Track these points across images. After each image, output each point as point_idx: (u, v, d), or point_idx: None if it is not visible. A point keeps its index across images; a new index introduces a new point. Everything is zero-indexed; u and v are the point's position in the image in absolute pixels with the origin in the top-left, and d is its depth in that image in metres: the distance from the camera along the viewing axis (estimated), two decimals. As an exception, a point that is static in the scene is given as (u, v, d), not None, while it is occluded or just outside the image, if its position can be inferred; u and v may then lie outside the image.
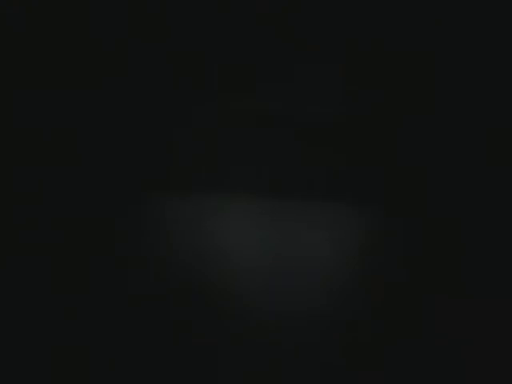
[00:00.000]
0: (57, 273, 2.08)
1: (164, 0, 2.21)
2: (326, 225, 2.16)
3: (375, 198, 2.19)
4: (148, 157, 2.21)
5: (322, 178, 2.20)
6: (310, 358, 2.01)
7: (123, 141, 2.21)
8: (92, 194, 2.16)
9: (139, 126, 2.22)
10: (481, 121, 2.20)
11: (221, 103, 2.22)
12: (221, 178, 2.20)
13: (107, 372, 1.97)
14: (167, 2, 2.21)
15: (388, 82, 2.21)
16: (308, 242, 2.14)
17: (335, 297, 2.08)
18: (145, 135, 2.21)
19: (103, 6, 2.21)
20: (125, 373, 1.97)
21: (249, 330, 2.03)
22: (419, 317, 2.06)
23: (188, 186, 2.19)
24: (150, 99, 2.22)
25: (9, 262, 2.08)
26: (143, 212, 2.15)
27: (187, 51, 2.22)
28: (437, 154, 2.20)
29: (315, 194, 2.19)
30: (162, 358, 1.99)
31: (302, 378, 1.99)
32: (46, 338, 2.00)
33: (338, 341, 2.03)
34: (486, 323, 2.00)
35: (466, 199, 2.18)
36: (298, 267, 2.11)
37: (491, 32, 2.19)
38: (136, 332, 2.02)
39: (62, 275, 2.08)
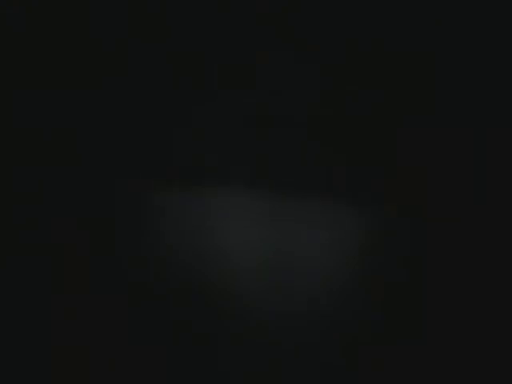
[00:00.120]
0: (57, 273, 2.08)
1: (164, 0, 2.21)
2: (326, 225, 2.16)
3: (375, 198, 2.19)
4: (148, 157, 2.21)
5: (322, 177, 2.20)
6: (310, 357, 2.01)
7: (123, 141, 2.21)
8: (92, 193, 2.16)
9: (139, 126, 2.22)
10: (481, 120, 2.20)
11: (221, 103, 2.22)
12: (221, 178, 2.20)
13: (107, 372, 1.97)
14: (167, 2, 2.21)
15: (388, 81, 2.21)
16: (308, 241, 2.14)
17: (335, 297, 2.08)
18: (145, 135, 2.21)
19: (103, 6, 2.21)
20: (125, 373, 1.97)
21: (249, 330, 2.03)
22: (419, 317, 2.06)
23: (188, 185, 2.19)
24: (150, 99, 2.22)
25: (9, 262, 2.08)
26: (143, 212, 2.15)
27: (187, 51, 2.22)
28: (437, 153, 2.20)
29: (315, 193, 2.19)
30: (161, 358, 1.99)
31: (302, 378, 1.99)
32: (45, 337, 2.00)
33: (338, 341, 2.03)
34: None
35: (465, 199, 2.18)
36: (298, 267, 2.11)
37: (491, 32, 2.19)
38: (136, 332, 2.02)
39: (61, 275, 2.08)
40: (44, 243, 2.10)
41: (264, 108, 2.22)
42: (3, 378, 1.95)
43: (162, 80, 2.22)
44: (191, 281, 2.09)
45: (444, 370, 2.00)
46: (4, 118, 2.19)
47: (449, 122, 2.20)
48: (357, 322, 2.05)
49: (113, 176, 2.17)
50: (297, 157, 2.21)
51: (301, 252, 2.13)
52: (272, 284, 2.09)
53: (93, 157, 2.19)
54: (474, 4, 2.18)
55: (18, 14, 2.19)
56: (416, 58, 2.20)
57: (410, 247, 2.14)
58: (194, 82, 2.23)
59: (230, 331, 2.03)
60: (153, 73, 2.22)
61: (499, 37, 2.19)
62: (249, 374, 1.98)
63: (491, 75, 2.20)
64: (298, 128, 2.22)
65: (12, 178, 2.15)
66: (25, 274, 2.07)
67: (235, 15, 2.20)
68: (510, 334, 2.03)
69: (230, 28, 2.21)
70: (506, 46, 2.19)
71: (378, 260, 2.12)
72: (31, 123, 2.19)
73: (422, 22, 2.19)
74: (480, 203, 2.16)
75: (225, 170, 2.21)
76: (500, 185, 2.16)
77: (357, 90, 2.21)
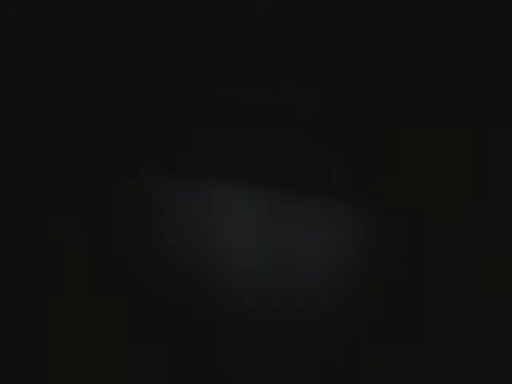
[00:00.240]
0: (57, 273, 2.08)
1: (164, 0, 2.21)
2: (326, 225, 2.16)
3: (375, 198, 2.19)
4: (148, 156, 2.21)
5: (322, 177, 2.20)
6: (310, 357, 2.01)
7: (123, 141, 2.21)
8: (92, 193, 2.16)
9: (139, 126, 2.22)
10: (481, 120, 2.20)
11: (221, 103, 2.22)
12: (220, 178, 2.20)
13: (107, 372, 1.97)
14: (167, 2, 2.21)
15: (388, 81, 2.21)
16: (308, 241, 2.14)
17: (335, 297, 2.08)
18: (145, 135, 2.21)
19: (103, 6, 2.21)
20: (125, 373, 1.97)
21: (249, 330, 2.03)
22: (419, 317, 2.06)
23: (188, 185, 2.19)
24: (150, 99, 2.22)
25: (9, 262, 2.08)
26: (143, 212, 2.15)
27: (187, 51, 2.22)
28: (437, 153, 2.20)
29: (315, 193, 2.19)
30: (161, 358, 1.99)
31: (302, 378, 1.99)
32: (45, 337, 2.00)
33: (338, 341, 2.03)
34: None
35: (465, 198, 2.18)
36: (298, 267, 2.11)
37: (491, 32, 2.19)
38: (136, 332, 2.02)
39: (61, 275, 2.08)
40: (44, 243, 2.10)
41: (264, 108, 2.22)
42: (3, 377, 1.95)
43: (162, 80, 2.22)
44: (191, 281, 2.09)
45: (444, 369, 2.00)
46: (4, 118, 2.19)
47: (449, 122, 2.20)
48: (357, 322, 2.05)
49: (113, 176, 2.17)
50: (297, 157, 2.21)
51: (301, 252, 2.13)
52: (272, 284, 2.09)
53: (93, 157, 2.19)
54: (474, 4, 2.18)
55: (18, 13, 2.19)
56: (416, 58, 2.20)
57: (410, 247, 2.14)
58: (194, 82, 2.23)
59: (230, 331, 2.03)
60: (153, 73, 2.22)
61: (499, 37, 2.19)
62: (249, 374, 1.98)
63: (491, 75, 2.20)
64: (298, 128, 2.22)
65: (12, 177, 2.15)
66: (25, 274, 2.07)
67: (235, 15, 2.20)
68: (510, 334, 2.03)
69: (230, 28, 2.21)
70: (505, 46, 2.19)
71: (377, 260, 2.12)
72: (31, 123, 2.19)
73: (422, 21, 2.19)
74: (480, 203, 2.16)
75: (225, 169, 2.21)
76: (500, 185, 2.16)
77: (357, 90, 2.21)
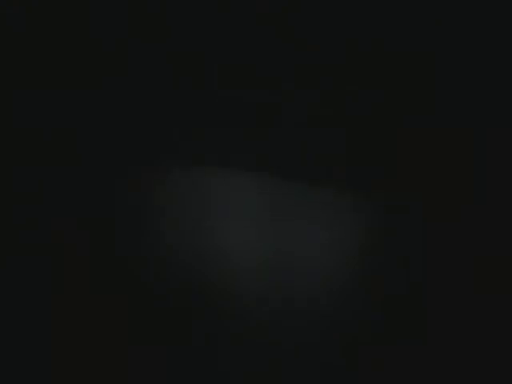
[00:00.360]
0: (57, 273, 2.08)
1: (164, 0, 2.21)
2: (326, 224, 2.16)
3: (375, 198, 2.18)
4: (148, 156, 2.21)
5: (322, 177, 2.20)
6: (310, 357, 2.01)
7: (123, 141, 2.21)
8: (92, 193, 2.16)
9: (139, 125, 2.22)
10: (481, 120, 2.20)
11: (221, 103, 2.22)
12: (220, 178, 2.20)
13: (107, 372, 1.97)
14: (167, 2, 2.21)
15: (388, 81, 2.21)
16: (308, 241, 2.14)
17: (335, 297, 2.08)
18: (145, 135, 2.21)
19: (103, 6, 2.21)
20: (125, 373, 1.97)
21: (249, 330, 2.03)
22: (419, 317, 2.06)
23: (188, 185, 2.19)
24: (150, 99, 2.22)
25: (9, 261, 2.08)
26: (143, 212, 2.15)
27: (187, 51, 2.22)
28: (437, 153, 2.20)
29: (315, 193, 2.19)
30: (161, 358, 1.99)
31: (302, 378, 1.99)
32: (45, 337, 2.00)
33: (338, 341, 2.03)
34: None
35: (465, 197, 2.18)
36: (298, 267, 2.11)
37: (491, 32, 2.19)
38: (136, 332, 2.02)
39: (61, 275, 2.08)
40: (44, 243, 2.10)
41: (264, 108, 2.22)
42: (3, 377, 1.95)
43: (162, 80, 2.22)
44: (191, 281, 2.09)
45: (444, 369, 2.00)
46: (4, 118, 2.19)
47: (449, 122, 2.20)
48: (357, 322, 2.05)
49: (113, 176, 2.17)
50: (297, 156, 2.21)
51: (301, 252, 2.13)
52: (272, 284, 2.09)
53: (93, 157, 2.19)
54: (474, 4, 2.18)
55: (18, 13, 2.19)
56: (416, 58, 2.20)
57: (410, 247, 2.14)
58: (194, 82, 2.23)
59: (230, 331, 2.03)
60: (153, 73, 2.22)
61: (499, 37, 2.19)
62: (249, 374, 1.98)
63: (491, 75, 2.20)
64: (298, 128, 2.22)
65: (12, 177, 2.15)
66: (25, 274, 2.07)
67: (235, 15, 2.20)
68: (510, 334, 2.03)
69: (230, 28, 2.21)
70: (505, 46, 2.19)
71: (377, 260, 2.12)
72: (31, 123, 2.19)
73: (422, 21, 2.19)
74: (480, 203, 2.16)
75: (225, 169, 2.21)
76: (500, 185, 2.16)
77: (357, 90, 2.21)
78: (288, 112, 2.22)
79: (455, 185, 2.18)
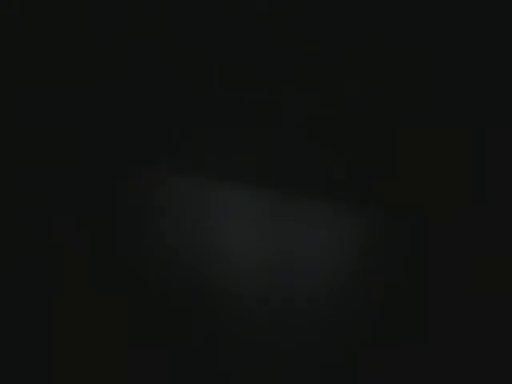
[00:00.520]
0: (57, 273, 2.08)
1: (164, 0, 2.21)
2: (326, 225, 2.16)
3: (375, 198, 2.19)
4: (148, 156, 2.21)
5: (322, 177, 2.20)
6: (310, 357, 2.01)
7: (123, 141, 2.21)
8: (92, 193, 2.16)
9: (139, 126, 2.22)
10: (481, 120, 2.20)
11: (221, 103, 2.22)
12: (220, 178, 2.20)
13: (107, 372, 1.97)
14: (167, 2, 2.21)
15: (388, 81, 2.21)
16: (308, 241, 2.14)
17: (335, 297, 2.08)
18: (144, 135, 2.21)
19: (103, 6, 2.21)
20: (125, 373, 1.97)
21: (249, 330, 2.03)
22: (419, 317, 2.06)
23: (188, 185, 2.19)
24: (150, 99, 2.22)
25: (9, 262, 2.08)
26: (143, 212, 2.15)
27: (187, 51, 2.22)
28: (437, 153, 2.20)
29: (315, 193, 2.19)
30: (161, 358, 1.99)
31: (302, 378, 1.99)
32: (45, 337, 2.00)
33: (338, 341, 2.03)
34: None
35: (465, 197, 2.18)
36: (298, 267, 2.11)
37: (491, 32, 2.19)
38: (136, 332, 2.02)
39: (61, 275, 2.08)
40: (44, 243, 2.10)
41: (264, 108, 2.22)
42: (3, 377, 1.95)
43: (162, 80, 2.22)
44: (191, 281, 2.09)
45: (444, 370, 2.00)
46: (4, 117, 2.19)
47: (449, 122, 2.20)
48: (357, 322, 2.05)
49: (113, 176, 2.17)
50: (297, 157, 2.21)
51: (301, 252, 2.13)
52: (272, 284, 2.09)
53: (93, 157, 2.19)
54: (474, 4, 2.18)
55: (18, 13, 2.19)
56: (416, 58, 2.20)
57: (410, 247, 2.14)
58: (194, 82, 2.23)
59: (230, 331, 2.03)
60: (153, 73, 2.22)
61: (499, 37, 2.19)
62: (249, 374, 1.98)
63: (491, 75, 2.20)
64: (298, 128, 2.22)
65: (12, 177, 2.15)
66: (25, 274, 2.07)
67: (235, 15, 2.20)
68: (510, 334, 2.03)
69: (230, 28, 2.21)
70: (505, 46, 2.19)
71: (377, 260, 2.12)
72: (31, 123, 2.19)
73: (422, 21, 2.19)
74: (480, 203, 2.16)
75: (225, 169, 2.21)
76: (500, 185, 2.16)
77: (357, 90, 2.21)
78: (288, 112, 2.22)
79: (455, 185, 2.18)
